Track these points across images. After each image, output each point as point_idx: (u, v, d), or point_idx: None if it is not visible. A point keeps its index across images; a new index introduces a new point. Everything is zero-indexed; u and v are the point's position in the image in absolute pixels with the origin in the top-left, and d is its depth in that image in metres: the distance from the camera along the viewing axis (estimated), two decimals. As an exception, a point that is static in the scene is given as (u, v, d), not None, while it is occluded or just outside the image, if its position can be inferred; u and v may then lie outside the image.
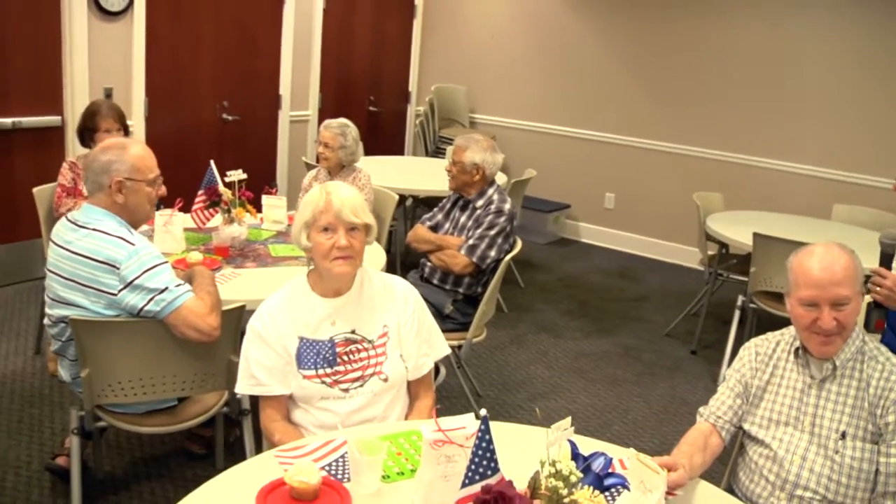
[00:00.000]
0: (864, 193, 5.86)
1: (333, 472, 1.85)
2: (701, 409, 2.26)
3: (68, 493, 2.75)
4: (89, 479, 3.06)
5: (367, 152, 6.64)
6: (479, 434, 1.38)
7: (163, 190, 2.60)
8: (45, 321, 2.56)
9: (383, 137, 7.71)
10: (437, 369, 3.75)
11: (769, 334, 2.25)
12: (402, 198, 5.81)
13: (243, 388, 2.21)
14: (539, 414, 4.06)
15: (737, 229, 4.70)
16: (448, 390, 4.06)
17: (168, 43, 5.49)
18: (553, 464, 1.34)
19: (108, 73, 5.13)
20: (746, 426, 2.18)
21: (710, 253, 5.08)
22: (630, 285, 6.29)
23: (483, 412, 1.43)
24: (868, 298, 2.35)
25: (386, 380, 2.24)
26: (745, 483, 2.15)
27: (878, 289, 2.35)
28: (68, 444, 2.99)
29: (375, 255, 3.55)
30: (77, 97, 4.87)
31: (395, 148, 7.91)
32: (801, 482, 2.04)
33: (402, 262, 5.85)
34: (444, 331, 3.53)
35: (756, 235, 4.29)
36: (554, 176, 7.28)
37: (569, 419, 1.45)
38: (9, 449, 3.26)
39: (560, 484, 1.31)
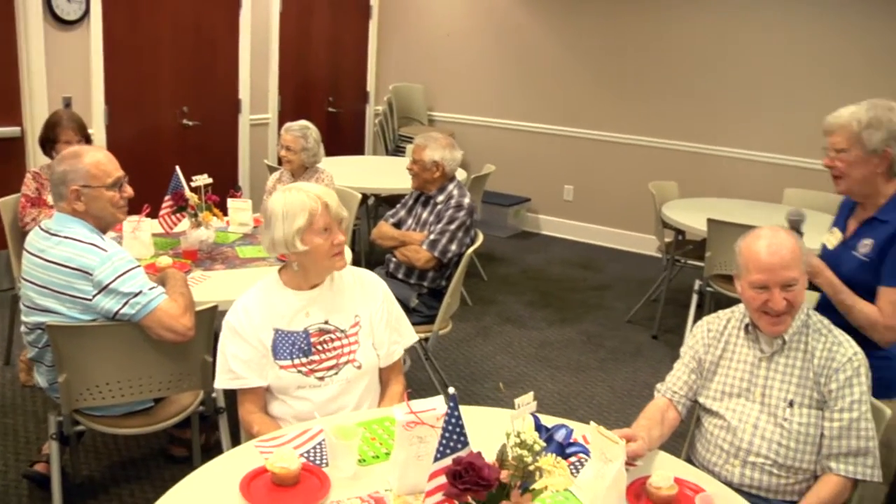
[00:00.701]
0: (814, 177, 6.05)
1: (312, 458, 1.94)
2: (658, 386, 2.39)
3: (46, 499, 2.80)
4: (67, 484, 3.09)
5: (328, 153, 6.68)
6: (449, 411, 1.48)
7: (128, 191, 2.65)
8: (22, 329, 2.60)
9: (343, 138, 7.77)
10: (403, 361, 3.86)
11: (720, 312, 2.37)
12: (365, 197, 5.88)
13: (222, 382, 2.29)
14: (503, 387, 4.19)
15: (692, 216, 4.86)
16: (417, 383, 4.15)
17: (126, 50, 5.50)
18: (518, 435, 1.44)
19: (66, 83, 5.13)
20: (701, 399, 2.31)
21: (666, 240, 5.23)
22: (591, 275, 6.43)
23: (451, 390, 1.53)
24: None
25: (359, 367, 2.34)
26: (702, 453, 2.28)
27: None
28: (46, 450, 3.04)
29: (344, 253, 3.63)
30: (36, 107, 4.88)
31: (356, 148, 7.98)
32: (753, 449, 2.16)
33: (367, 259, 5.92)
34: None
35: (710, 221, 4.45)
36: (513, 170, 7.40)
37: (531, 394, 1.55)
38: (-15, 458, 3.29)
39: (525, 453, 1.41)
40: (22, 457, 3.30)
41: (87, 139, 3.90)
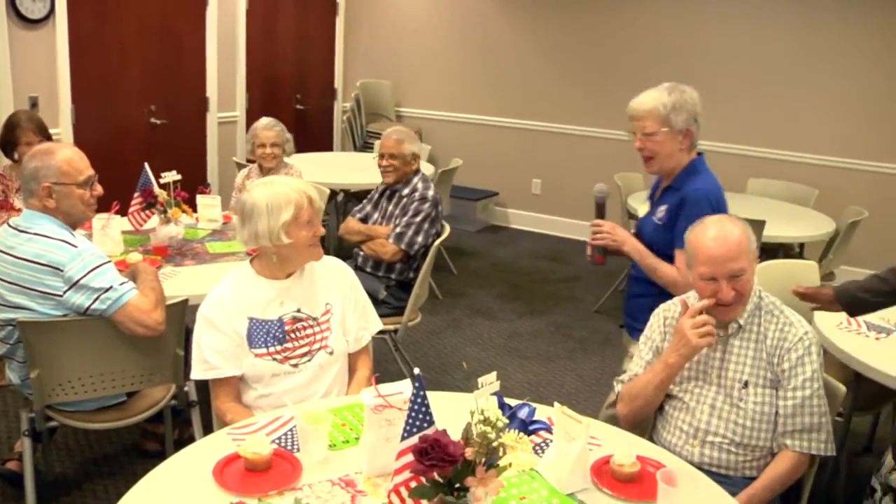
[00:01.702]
0: (777, 167, 6.20)
1: (284, 443, 1.98)
2: (618, 379, 2.47)
3: (20, 497, 2.82)
4: (41, 481, 3.11)
5: (297, 149, 6.71)
6: (415, 391, 1.53)
7: (98, 189, 2.67)
8: (-8, 325, 2.62)
9: (311, 134, 7.79)
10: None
11: (675, 299, 2.44)
12: (334, 192, 5.92)
13: (197, 373, 2.33)
14: (466, 366, 4.26)
15: (656, 206, 4.94)
16: (387, 374, 4.18)
17: (92, 49, 5.48)
18: (482, 412, 1.50)
19: (32, 82, 5.10)
20: None
21: (632, 231, 5.31)
22: (560, 267, 6.51)
23: (416, 371, 1.58)
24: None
25: (332, 353, 2.40)
26: (663, 434, 2.35)
27: (598, 236, 2.79)
28: (18, 447, 3.05)
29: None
30: (2, 107, 4.84)
31: (324, 144, 8.00)
32: (710, 429, 2.23)
33: (337, 254, 5.93)
34: (379, 315, 3.71)
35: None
36: (481, 165, 7.47)
37: (494, 374, 1.61)
38: (-44, 458, 3.29)
39: (488, 429, 1.47)
40: (-5, 456, 3.31)
41: (48, 139, 3.87)
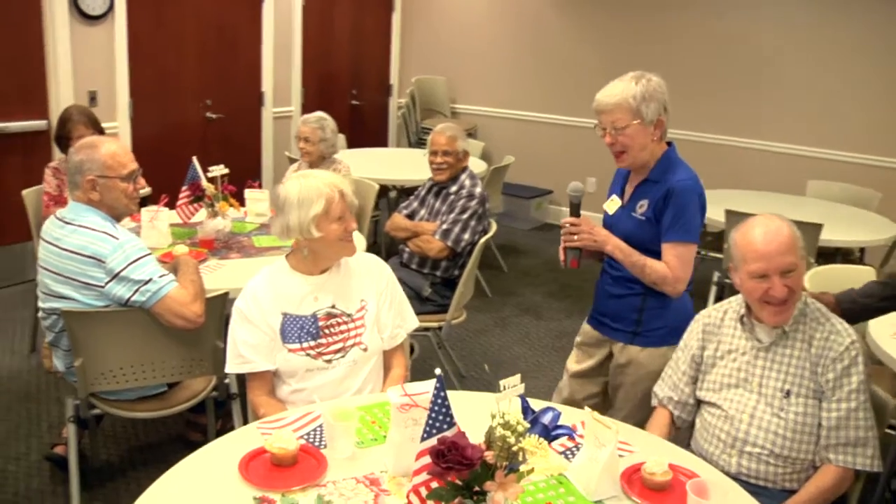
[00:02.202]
0: (838, 169, 6.00)
1: (311, 439, 1.98)
2: (655, 389, 2.43)
3: (67, 480, 2.88)
4: (86, 467, 3.19)
5: (352, 145, 6.77)
6: (435, 392, 1.51)
7: (141, 183, 2.71)
8: (40, 314, 2.68)
9: (367, 130, 7.83)
10: (411, 348, 3.90)
11: (717, 305, 2.37)
12: (386, 188, 5.94)
13: (232, 367, 2.34)
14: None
15: (710, 208, 4.74)
16: (430, 372, 4.17)
17: (150, 45, 5.60)
18: (502, 416, 1.47)
19: (92, 77, 5.24)
20: (700, 393, 2.31)
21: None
22: (612, 266, 6.40)
23: (437, 371, 1.56)
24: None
25: (366, 349, 2.39)
26: (700, 443, 2.28)
27: (574, 237, 2.58)
28: (66, 433, 3.12)
29: (356, 242, 3.67)
30: (62, 101, 4.97)
31: (379, 140, 8.04)
32: (749, 439, 2.16)
33: (388, 250, 5.97)
34: (423, 313, 3.71)
35: (728, 212, 4.43)
36: (535, 162, 7.40)
37: (518, 376, 1.58)
38: (9, 442, 3.39)
39: (507, 433, 1.44)
40: (45, 440, 3.40)
41: (100, 133, 3.95)
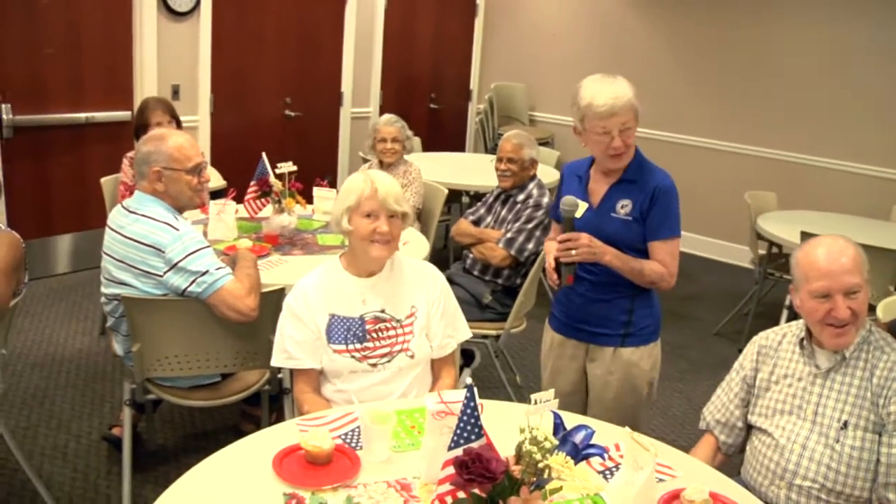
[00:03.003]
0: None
1: (348, 440, 1.98)
2: (704, 412, 2.37)
3: (120, 461, 2.96)
4: (142, 450, 3.28)
5: (428, 148, 6.81)
6: (465, 401, 1.49)
7: (206, 176, 2.76)
8: (102, 299, 2.76)
9: (444, 134, 7.85)
10: (472, 356, 3.87)
11: (777, 328, 2.29)
12: (459, 193, 5.95)
13: (277, 361, 2.37)
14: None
15: (787, 228, 4.68)
16: (487, 380, 4.16)
17: (233, 42, 5.73)
18: (531, 430, 1.44)
19: (175, 71, 5.40)
20: (752, 418, 2.23)
21: (760, 252, 5.05)
22: (682, 283, 6.18)
23: (468, 380, 1.54)
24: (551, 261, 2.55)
25: (412, 356, 2.37)
26: (749, 471, 2.20)
27: (572, 252, 2.45)
28: (123, 416, 3.21)
29: (420, 245, 3.69)
30: (147, 93, 5.13)
31: (456, 145, 8.05)
32: (800, 471, 2.06)
33: (456, 255, 5.96)
34: (482, 320, 3.68)
35: (804, 234, 4.27)
36: (611, 174, 7.28)
37: (552, 391, 1.54)
38: (72, 420, 3.51)
39: (534, 449, 1.41)
40: (106, 421, 3.51)
41: (177, 120, 4.05)
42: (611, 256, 2.52)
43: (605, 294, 2.63)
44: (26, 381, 3.81)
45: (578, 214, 2.63)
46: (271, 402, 3.11)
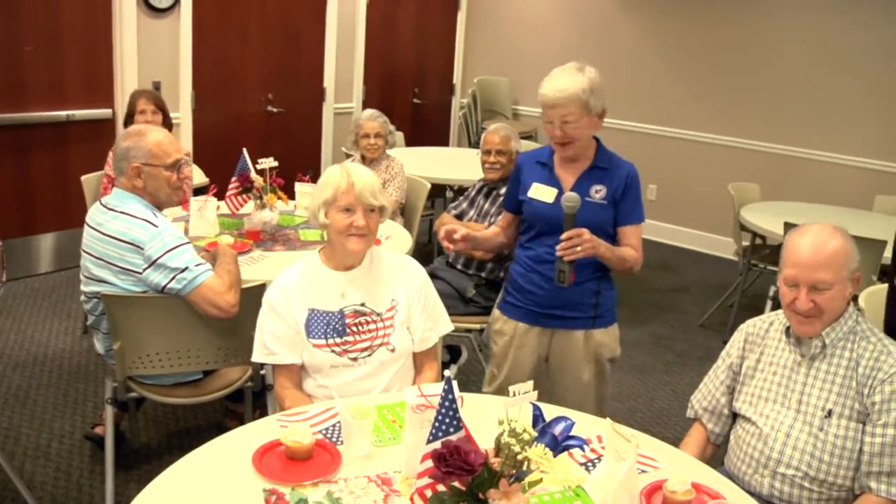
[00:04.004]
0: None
1: (329, 435, 1.97)
2: (692, 399, 2.36)
3: (104, 459, 2.94)
4: (126, 448, 3.27)
5: (412, 143, 6.79)
6: (443, 394, 1.48)
7: (185, 173, 2.74)
8: (82, 297, 2.74)
9: (428, 129, 7.84)
10: (459, 352, 3.86)
11: (765, 315, 2.28)
12: (444, 188, 5.94)
13: (257, 356, 2.35)
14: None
15: (770, 220, 4.69)
16: (472, 374, 4.16)
17: (214, 38, 5.70)
18: (510, 422, 1.43)
19: (156, 68, 5.36)
20: (736, 405, 2.23)
21: (744, 244, 5.07)
22: (669, 276, 6.29)
23: (447, 373, 1.53)
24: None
25: (393, 350, 2.36)
26: (733, 460, 2.20)
27: (577, 249, 2.48)
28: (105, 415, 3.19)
29: (403, 239, 3.68)
30: (127, 90, 5.08)
31: (440, 139, 8.04)
32: (784, 459, 2.06)
33: (440, 249, 5.95)
34: (466, 314, 3.67)
35: (787, 225, 4.28)
36: (596, 167, 7.29)
37: (531, 383, 1.54)
38: (54, 420, 3.48)
39: (513, 441, 1.40)
40: (88, 420, 3.49)
41: (164, 111, 4.04)
42: (604, 248, 2.58)
43: (576, 278, 2.63)
44: (8, 381, 3.78)
45: (549, 200, 2.67)
46: (255, 398, 3.10)
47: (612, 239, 2.68)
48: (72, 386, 3.78)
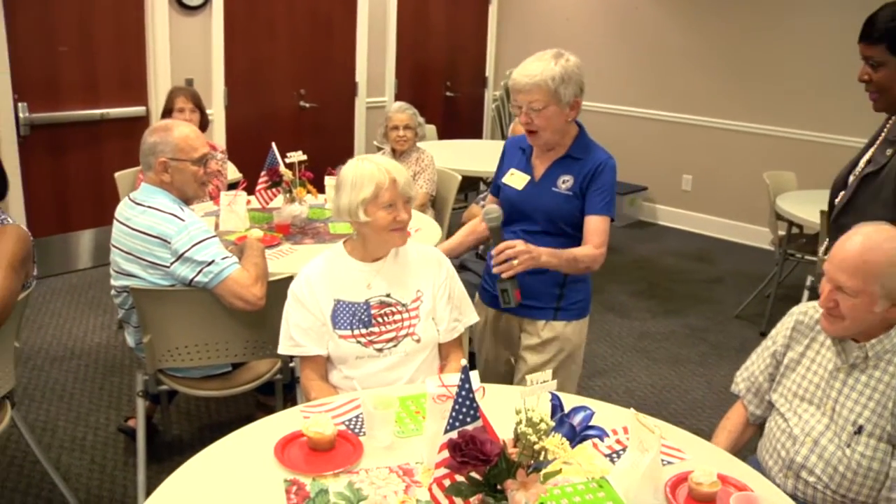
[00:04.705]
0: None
1: (352, 426, 1.97)
2: (736, 377, 2.28)
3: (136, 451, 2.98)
4: (158, 441, 3.31)
5: (445, 136, 6.79)
6: (460, 383, 1.47)
7: (212, 167, 2.76)
8: (112, 291, 2.77)
9: (461, 122, 7.82)
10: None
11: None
12: (476, 180, 5.93)
13: (283, 348, 2.36)
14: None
15: (807, 208, 4.60)
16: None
17: (246, 34, 5.74)
18: (527, 412, 1.41)
19: (189, 65, 5.41)
20: (774, 396, 2.16)
21: (780, 233, 4.98)
22: (704, 267, 6.21)
23: (463, 362, 1.52)
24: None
25: (419, 341, 2.36)
26: (763, 453, 2.13)
27: (514, 263, 2.36)
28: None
29: (433, 232, 3.67)
30: (160, 88, 5.16)
31: (474, 132, 8.01)
32: (808, 465, 1.99)
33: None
34: (495, 306, 3.63)
35: (823, 213, 4.19)
36: (630, 158, 7.21)
37: (549, 372, 1.52)
38: (90, 413, 3.54)
39: (529, 431, 1.39)
40: (122, 412, 3.54)
41: (202, 109, 4.08)
42: (546, 256, 2.46)
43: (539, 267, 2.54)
44: (45, 376, 3.86)
45: (519, 186, 2.63)
46: (285, 391, 3.12)
47: (579, 231, 2.58)
48: (107, 380, 3.84)
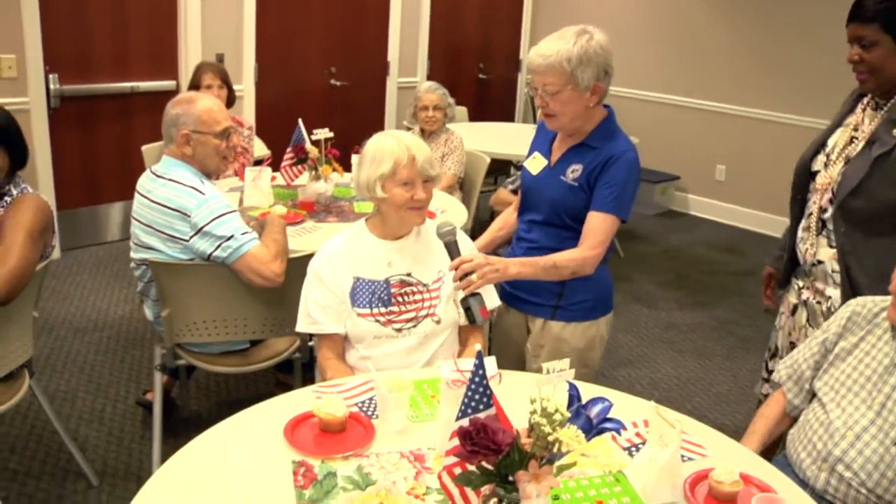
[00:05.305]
0: None
1: (365, 409, 1.93)
2: (779, 366, 2.20)
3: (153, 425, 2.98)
4: (177, 415, 3.30)
5: (477, 118, 6.72)
6: (473, 369, 1.42)
7: (234, 141, 2.72)
8: (131, 264, 2.76)
9: (493, 104, 7.73)
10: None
11: (878, 297, 2.05)
12: (507, 163, 5.86)
13: (302, 326, 2.33)
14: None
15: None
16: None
17: (277, 10, 5.70)
18: (542, 402, 1.36)
19: (219, 40, 5.39)
20: (818, 383, 2.07)
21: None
22: (735, 259, 6.09)
23: (477, 347, 1.47)
24: (461, 295, 2.21)
25: (439, 322, 2.31)
26: (794, 444, 2.05)
27: (473, 278, 2.15)
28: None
29: (459, 214, 3.63)
30: (191, 63, 5.12)
31: (506, 115, 7.93)
32: (846, 460, 1.91)
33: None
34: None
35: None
36: (663, 146, 7.10)
37: (567, 361, 1.46)
38: (110, 385, 3.55)
39: (543, 421, 1.33)
40: (142, 386, 3.54)
41: (229, 86, 4.05)
42: (516, 267, 2.30)
43: (508, 280, 2.42)
44: (68, 347, 3.87)
45: (534, 171, 2.49)
46: (304, 370, 3.10)
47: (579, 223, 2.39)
48: (128, 353, 3.85)
